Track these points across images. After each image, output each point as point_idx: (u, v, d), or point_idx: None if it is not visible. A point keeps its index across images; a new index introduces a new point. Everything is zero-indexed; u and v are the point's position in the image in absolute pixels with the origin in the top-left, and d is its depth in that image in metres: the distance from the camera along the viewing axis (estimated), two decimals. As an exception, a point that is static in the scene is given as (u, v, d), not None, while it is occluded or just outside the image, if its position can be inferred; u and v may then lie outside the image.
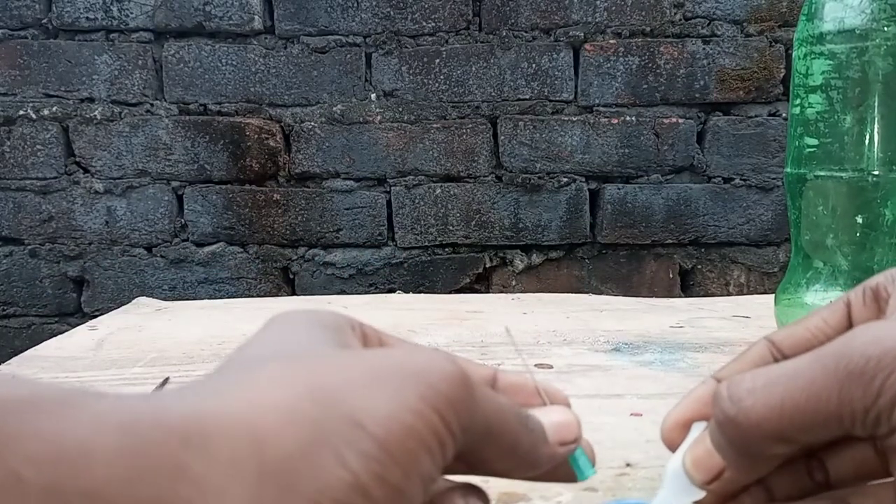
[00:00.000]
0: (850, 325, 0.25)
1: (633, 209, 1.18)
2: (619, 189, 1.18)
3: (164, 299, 0.88)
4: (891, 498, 0.23)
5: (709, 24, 1.15)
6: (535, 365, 0.53)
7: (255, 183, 1.18)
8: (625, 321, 0.69)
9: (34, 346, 0.63)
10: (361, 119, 1.17)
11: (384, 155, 1.17)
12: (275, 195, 1.18)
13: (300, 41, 1.16)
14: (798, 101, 0.51)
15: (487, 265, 1.20)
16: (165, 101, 1.17)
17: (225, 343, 0.63)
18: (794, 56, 0.52)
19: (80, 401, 0.15)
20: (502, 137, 1.17)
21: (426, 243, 1.19)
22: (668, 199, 1.18)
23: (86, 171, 1.18)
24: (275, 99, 1.17)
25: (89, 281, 1.20)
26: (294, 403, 0.16)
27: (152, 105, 1.17)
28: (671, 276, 1.21)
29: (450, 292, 1.17)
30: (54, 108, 1.17)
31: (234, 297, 1.13)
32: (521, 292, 1.17)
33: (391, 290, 1.19)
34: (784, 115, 1.17)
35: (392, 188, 1.18)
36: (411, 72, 1.16)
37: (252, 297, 1.19)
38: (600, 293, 1.15)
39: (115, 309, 0.83)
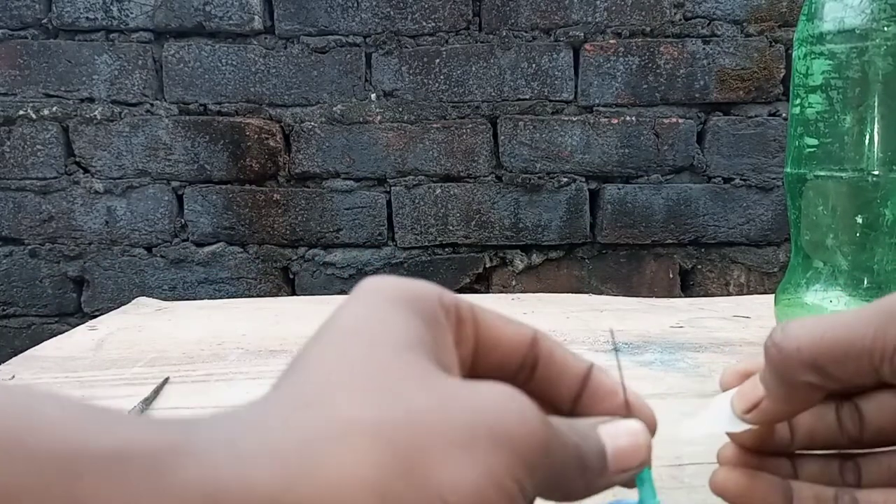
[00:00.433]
0: None
1: (633, 209, 1.18)
2: (619, 189, 1.18)
3: (164, 299, 0.88)
4: None
5: (709, 24, 1.15)
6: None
7: (255, 183, 1.18)
8: (625, 321, 0.69)
9: (34, 346, 0.63)
10: (361, 119, 1.17)
11: (384, 155, 1.17)
12: (275, 195, 1.18)
13: (300, 41, 1.16)
14: (798, 101, 0.51)
15: (487, 265, 1.20)
16: (165, 101, 1.17)
17: (225, 343, 0.63)
18: (794, 56, 0.52)
19: (169, 463, 0.15)
20: (502, 137, 1.17)
21: (426, 243, 1.19)
22: (668, 199, 1.18)
23: (86, 171, 1.18)
24: (275, 99, 1.17)
25: (89, 281, 1.20)
26: (386, 485, 0.16)
27: (152, 105, 1.17)
28: (671, 276, 1.21)
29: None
30: (54, 108, 1.17)
31: (234, 297, 1.13)
32: (521, 292, 1.17)
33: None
34: (784, 115, 1.17)
35: (392, 188, 1.18)
36: (411, 72, 1.16)
37: (252, 297, 1.19)
38: (600, 293, 1.15)
39: (115, 309, 0.83)
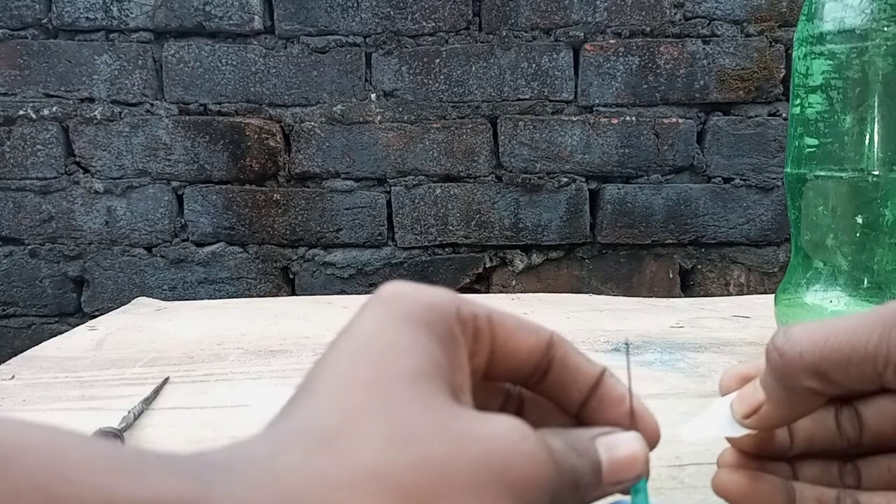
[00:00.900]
0: None
1: (633, 209, 1.18)
2: (619, 189, 1.18)
3: (164, 299, 0.88)
4: None
5: (709, 24, 1.15)
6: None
7: (255, 183, 1.18)
8: (625, 321, 0.69)
9: (34, 346, 0.63)
10: (361, 119, 1.17)
11: (384, 155, 1.17)
12: (275, 195, 1.18)
13: (300, 41, 1.16)
14: (798, 101, 0.51)
15: (487, 265, 1.20)
16: (165, 101, 1.17)
17: (225, 343, 0.63)
18: (794, 56, 0.52)
19: None
20: (502, 137, 1.17)
21: (426, 243, 1.19)
22: (668, 199, 1.18)
23: (86, 171, 1.18)
24: (275, 99, 1.17)
25: (89, 281, 1.20)
26: None
27: (152, 105, 1.17)
28: (671, 276, 1.21)
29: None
30: (54, 108, 1.17)
31: (234, 297, 1.13)
32: (521, 292, 1.17)
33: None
34: (784, 115, 1.17)
35: (392, 188, 1.18)
36: (411, 72, 1.16)
37: (252, 297, 1.19)
38: (600, 293, 1.15)
39: (115, 309, 0.83)
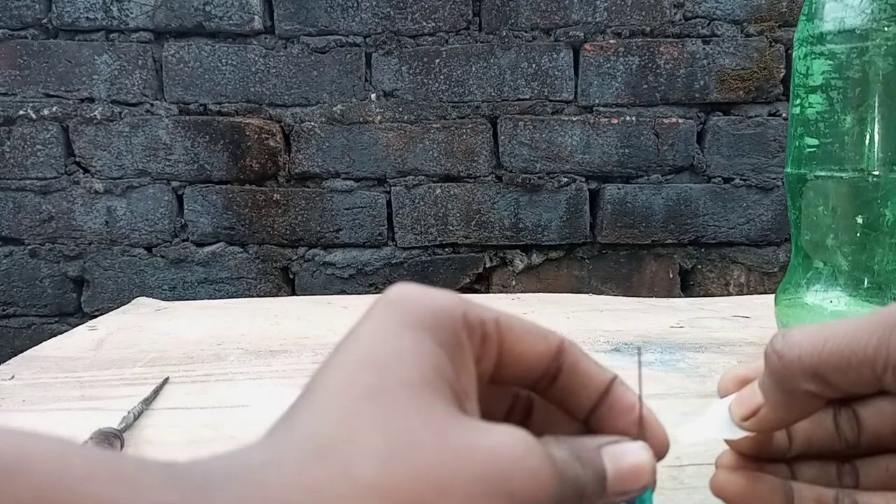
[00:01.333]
0: None
1: (633, 209, 1.18)
2: (619, 189, 1.18)
3: (164, 299, 0.88)
4: None
5: (709, 24, 1.15)
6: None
7: (255, 183, 1.18)
8: (625, 321, 0.69)
9: (34, 346, 0.63)
10: (361, 119, 1.17)
11: (384, 155, 1.17)
12: (275, 195, 1.18)
13: (300, 41, 1.16)
14: (798, 101, 0.51)
15: (487, 265, 1.20)
16: (165, 101, 1.17)
17: (225, 343, 0.63)
18: (794, 56, 0.52)
19: None
20: (502, 137, 1.17)
21: (426, 243, 1.19)
22: (668, 199, 1.18)
23: (86, 171, 1.18)
24: (275, 99, 1.17)
25: (89, 281, 1.20)
26: None
27: (152, 105, 1.17)
28: (671, 276, 1.21)
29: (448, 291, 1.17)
30: (54, 108, 1.17)
31: (234, 297, 1.13)
32: (521, 292, 1.17)
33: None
34: (784, 115, 1.17)
35: (392, 188, 1.18)
36: (411, 72, 1.16)
37: (252, 297, 1.19)
38: (600, 293, 1.15)
39: (115, 309, 0.83)
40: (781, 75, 1.15)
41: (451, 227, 1.18)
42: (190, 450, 0.41)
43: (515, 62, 1.16)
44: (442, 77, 1.16)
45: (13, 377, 0.54)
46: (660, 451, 0.23)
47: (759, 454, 0.26)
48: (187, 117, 1.17)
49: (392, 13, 1.15)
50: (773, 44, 1.15)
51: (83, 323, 0.73)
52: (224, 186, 1.18)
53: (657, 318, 0.69)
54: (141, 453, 0.41)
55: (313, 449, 0.17)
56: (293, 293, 1.21)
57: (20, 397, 0.50)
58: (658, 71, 1.16)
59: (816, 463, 0.26)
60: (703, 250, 1.20)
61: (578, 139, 1.17)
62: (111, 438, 0.39)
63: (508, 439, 0.19)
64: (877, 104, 0.47)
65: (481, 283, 1.21)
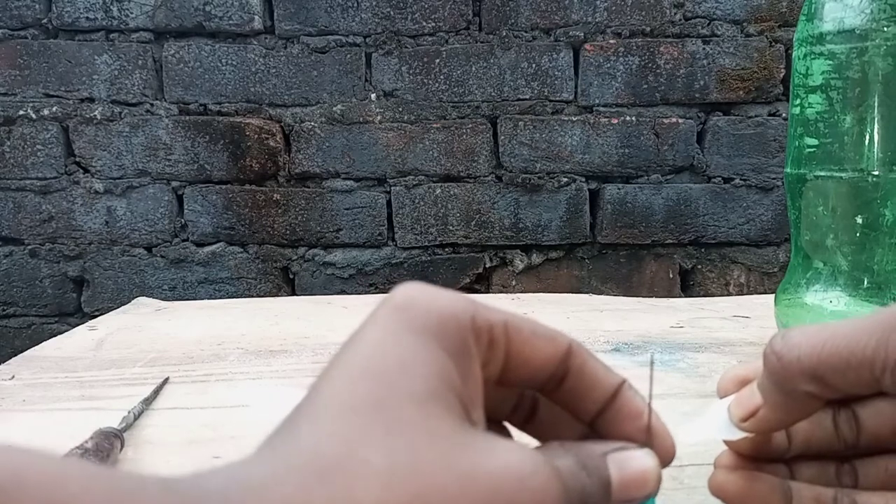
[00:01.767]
0: None
1: (633, 209, 1.18)
2: (619, 189, 1.18)
3: (164, 299, 0.88)
4: None
5: (709, 24, 1.15)
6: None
7: (255, 183, 1.18)
8: (625, 321, 0.69)
9: (34, 346, 0.63)
10: (361, 119, 1.17)
11: (384, 155, 1.17)
12: (275, 195, 1.18)
13: (300, 41, 1.16)
14: (798, 102, 0.51)
15: (487, 265, 1.20)
16: (165, 101, 1.17)
17: (225, 343, 0.63)
18: (794, 56, 0.52)
19: None
20: (502, 137, 1.17)
21: (426, 243, 1.19)
22: (668, 199, 1.18)
23: (86, 171, 1.18)
24: (275, 99, 1.17)
25: (89, 281, 1.20)
26: None
27: (152, 105, 1.17)
28: (671, 276, 1.21)
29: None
30: (54, 108, 1.17)
31: (234, 297, 1.13)
32: (521, 292, 1.17)
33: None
34: (784, 115, 1.17)
35: (392, 188, 1.18)
36: (411, 72, 1.16)
37: (252, 297, 1.19)
38: (600, 293, 1.15)
39: (115, 309, 0.83)
40: (781, 75, 1.15)
41: (451, 227, 1.19)
42: (190, 450, 0.41)
43: (515, 62, 1.16)
44: (442, 77, 1.16)
45: (13, 377, 0.54)
46: (665, 459, 0.23)
47: (758, 455, 0.26)
48: (187, 117, 1.17)
49: (392, 13, 1.15)
50: (773, 44, 1.15)
51: (83, 323, 0.73)
52: (224, 186, 1.18)
53: (657, 318, 0.69)
54: (141, 453, 0.41)
55: (315, 469, 0.17)
56: (293, 293, 1.21)
57: (20, 397, 0.50)
58: (658, 71, 1.16)
59: (815, 463, 0.26)
60: (703, 250, 1.20)
61: (578, 139, 1.17)
62: (111, 438, 0.39)
63: (515, 460, 0.18)
64: (876, 104, 0.47)
65: (481, 283, 1.21)
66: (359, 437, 0.17)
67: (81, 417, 0.46)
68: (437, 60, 1.16)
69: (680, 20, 1.15)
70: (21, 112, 1.16)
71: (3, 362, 0.58)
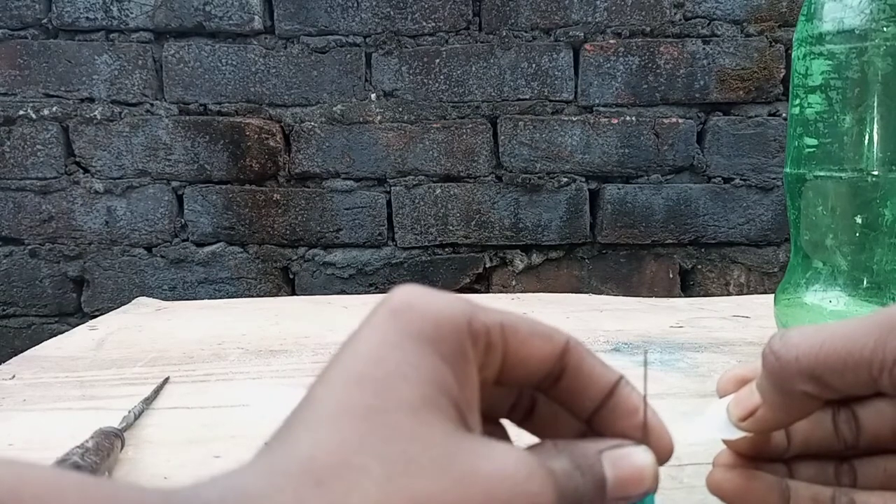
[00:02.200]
0: None
1: (633, 209, 1.18)
2: (619, 189, 1.18)
3: (164, 299, 0.88)
4: None
5: (709, 24, 1.15)
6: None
7: (255, 183, 1.18)
8: (625, 321, 0.69)
9: (34, 346, 0.64)
10: (361, 119, 1.17)
11: (384, 155, 1.17)
12: (275, 195, 1.18)
13: (300, 41, 1.16)
14: (798, 102, 0.51)
15: (487, 265, 1.20)
16: (165, 101, 1.17)
17: (225, 343, 0.63)
18: (793, 56, 0.52)
19: None
20: (502, 137, 1.17)
21: (426, 243, 1.19)
22: (668, 199, 1.18)
23: (86, 171, 1.18)
24: (275, 99, 1.17)
25: (89, 281, 1.20)
26: None
27: (152, 105, 1.17)
28: (671, 276, 1.21)
29: (450, 292, 1.17)
30: (54, 108, 1.17)
31: (234, 297, 1.14)
32: (521, 292, 1.17)
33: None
34: (784, 115, 1.17)
35: (392, 188, 1.18)
36: (411, 72, 1.16)
37: (252, 297, 1.19)
38: (600, 293, 1.15)
39: (115, 309, 0.83)
40: (781, 75, 1.15)
41: (451, 227, 1.19)
42: (190, 449, 0.41)
43: (515, 62, 1.16)
44: (442, 77, 1.16)
45: (14, 377, 0.54)
46: (663, 455, 0.23)
47: (757, 454, 0.26)
48: (187, 117, 1.17)
49: (392, 13, 1.15)
50: (773, 44, 1.15)
51: (83, 323, 0.73)
52: (224, 186, 1.18)
53: (657, 318, 0.69)
54: (141, 452, 0.41)
55: (309, 478, 0.17)
56: (293, 293, 1.21)
57: (21, 397, 0.50)
58: (658, 71, 1.16)
59: (814, 462, 0.26)
60: (703, 250, 1.20)
61: (578, 139, 1.17)
62: (112, 438, 0.39)
63: (510, 463, 0.18)
64: (876, 104, 0.47)
65: (481, 283, 1.21)
66: (355, 444, 0.17)
67: (82, 417, 0.46)
68: (437, 60, 1.16)
69: (680, 20, 1.15)
70: (21, 112, 1.16)
71: (4, 362, 0.58)
